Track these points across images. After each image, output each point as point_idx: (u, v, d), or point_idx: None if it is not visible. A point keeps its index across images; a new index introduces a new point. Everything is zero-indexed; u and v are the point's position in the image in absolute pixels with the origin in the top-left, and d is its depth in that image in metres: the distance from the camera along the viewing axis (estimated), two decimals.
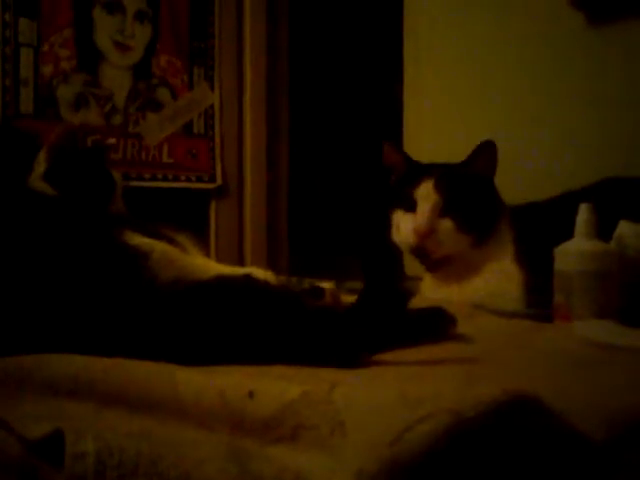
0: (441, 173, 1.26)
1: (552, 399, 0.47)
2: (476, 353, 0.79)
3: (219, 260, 1.49)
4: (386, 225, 1.33)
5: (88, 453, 0.42)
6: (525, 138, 1.67)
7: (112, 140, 1.13)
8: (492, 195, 1.29)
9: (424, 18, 1.92)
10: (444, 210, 1.23)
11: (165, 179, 2.08)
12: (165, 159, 2.08)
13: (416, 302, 1.02)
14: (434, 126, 1.88)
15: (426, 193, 1.24)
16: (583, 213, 1.03)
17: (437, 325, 0.82)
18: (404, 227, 1.26)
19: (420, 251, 1.25)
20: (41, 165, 1.01)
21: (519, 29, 1.71)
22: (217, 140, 2.17)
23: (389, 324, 0.73)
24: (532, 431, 0.44)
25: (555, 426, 0.45)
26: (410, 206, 1.25)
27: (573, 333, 0.91)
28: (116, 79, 2.02)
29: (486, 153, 1.25)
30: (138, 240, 0.82)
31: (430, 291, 1.31)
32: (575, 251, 1.02)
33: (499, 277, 1.22)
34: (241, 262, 2.16)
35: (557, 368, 0.73)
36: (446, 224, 1.22)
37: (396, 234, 1.29)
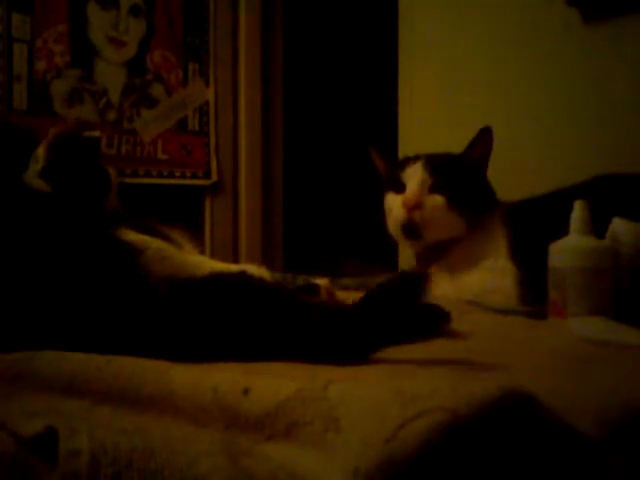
0: (430, 156, 1.28)
1: (547, 396, 0.47)
2: (471, 350, 0.79)
3: (214, 256, 1.49)
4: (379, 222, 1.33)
5: (82, 450, 0.42)
6: (520, 134, 1.67)
7: (96, 133, 1.12)
8: (484, 183, 1.30)
9: (419, 14, 1.92)
10: (433, 187, 1.24)
11: (160, 175, 2.08)
12: (160, 155, 2.08)
13: None
14: (429, 123, 1.88)
15: (414, 172, 1.25)
16: (577, 210, 1.03)
17: (431, 322, 0.82)
18: (394, 206, 1.26)
19: (411, 228, 1.24)
20: (39, 162, 1.01)
21: (515, 25, 1.71)
22: (212, 136, 2.17)
23: (390, 322, 0.72)
24: (527, 428, 0.44)
25: (549, 423, 0.45)
26: (400, 187, 1.26)
27: (567, 330, 0.91)
28: (110, 75, 2.01)
29: (484, 139, 1.27)
30: (132, 237, 0.82)
31: None
32: (569, 248, 1.02)
33: (493, 274, 1.22)
34: (236, 258, 2.16)
35: (551, 365, 0.73)
36: (435, 199, 1.23)
37: (388, 218, 1.30)
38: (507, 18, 1.73)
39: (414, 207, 1.22)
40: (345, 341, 0.70)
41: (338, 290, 1.09)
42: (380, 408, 0.44)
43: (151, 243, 0.82)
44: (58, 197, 0.95)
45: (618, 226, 1.05)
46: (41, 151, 1.01)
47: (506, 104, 1.72)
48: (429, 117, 1.89)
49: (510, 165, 1.59)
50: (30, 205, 0.85)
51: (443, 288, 1.25)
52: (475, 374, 0.66)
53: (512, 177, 1.52)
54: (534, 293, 1.13)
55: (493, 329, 0.97)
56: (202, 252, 1.11)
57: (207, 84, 2.17)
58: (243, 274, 0.85)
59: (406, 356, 0.72)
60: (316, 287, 1.05)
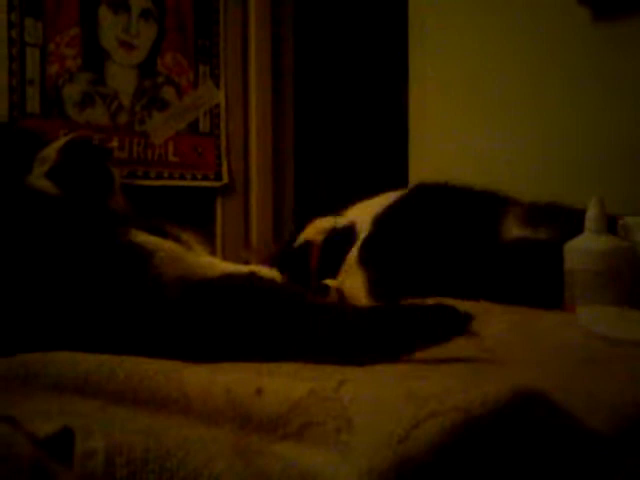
0: None
1: (558, 394, 0.47)
2: (483, 350, 0.79)
3: (225, 258, 1.49)
4: None
5: (98, 451, 0.42)
6: (529, 133, 1.67)
7: (112, 144, 1.14)
8: None
9: (429, 15, 1.92)
10: None
11: (171, 177, 2.08)
12: (171, 157, 2.08)
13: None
14: (439, 123, 1.88)
15: None
16: (592, 208, 0.99)
17: (455, 323, 0.80)
18: None
19: None
20: (46, 163, 1.01)
21: (525, 26, 1.71)
22: (223, 138, 2.18)
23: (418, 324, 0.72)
24: (539, 427, 0.44)
25: (562, 421, 0.45)
26: None
27: (578, 325, 0.90)
28: (122, 78, 2.02)
29: None
30: (143, 238, 0.82)
31: None
32: (583, 248, 0.99)
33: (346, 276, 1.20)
34: (247, 260, 2.16)
35: (563, 363, 0.72)
36: None
37: None
38: (518, 18, 1.72)
39: None
40: (368, 341, 0.70)
41: None
42: (393, 408, 0.44)
43: (163, 245, 0.83)
44: (66, 199, 0.95)
45: (633, 224, 1.02)
46: (49, 152, 1.01)
47: (516, 104, 1.71)
48: (439, 113, 1.88)
49: (521, 163, 1.59)
50: (39, 207, 0.85)
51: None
52: (487, 374, 0.66)
53: (523, 176, 1.51)
54: (384, 294, 1.11)
55: (505, 328, 0.96)
56: (213, 253, 1.11)
57: (218, 86, 2.17)
58: (253, 275, 0.85)
59: (417, 356, 0.72)
60: (326, 287, 1.05)
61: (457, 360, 0.71)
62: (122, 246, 0.80)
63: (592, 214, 0.99)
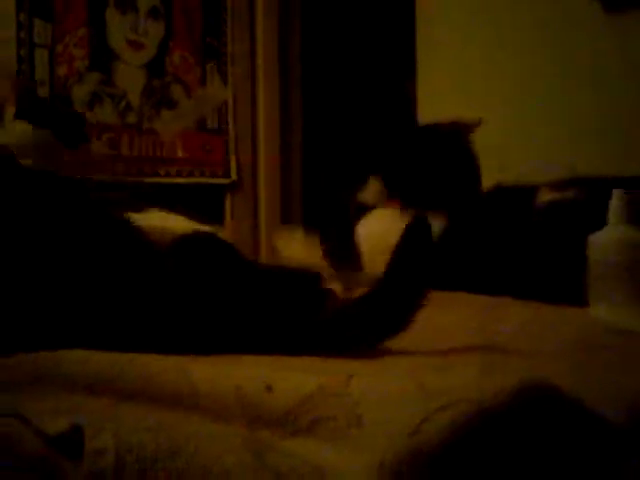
0: None
1: (571, 385, 0.46)
2: (492, 341, 0.78)
3: None
4: None
5: (108, 449, 0.42)
6: (538, 124, 1.66)
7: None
8: None
9: (438, 10, 1.91)
10: None
11: (180, 175, 2.09)
12: (180, 155, 2.09)
13: None
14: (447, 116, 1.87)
15: None
16: (616, 200, 0.97)
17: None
18: None
19: None
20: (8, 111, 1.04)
21: (536, 17, 1.70)
22: (231, 135, 2.18)
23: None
24: (552, 419, 0.43)
25: (575, 413, 0.45)
26: None
27: (591, 318, 0.90)
28: (130, 77, 2.02)
29: None
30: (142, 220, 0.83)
31: None
32: (605, 240, 0.98)
33: None
34: (257, 255, 2.17)
35: (576, 355, 0.72)
36: None
37: None
38: (528, 8, 1.71)
39: None
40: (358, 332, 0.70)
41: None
42: (403, 402, 0.44)
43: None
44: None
45: None
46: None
47: (525, 93, 1.70)
48: (448, 112, 1.87)
49: (527, 150, 1.58)
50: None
51: None
52: (498, 366, 0.65)
53: (528, 160, 1.51)
54: None
55: (520, 322, 0.96)
56: None
57: (225, 84, 2.18)
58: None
59: (427, 348, 0.71)
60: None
61: (466, 352, 0.71)
62: (128, 232, 0.80)
63: (615, 206, 0.97)
